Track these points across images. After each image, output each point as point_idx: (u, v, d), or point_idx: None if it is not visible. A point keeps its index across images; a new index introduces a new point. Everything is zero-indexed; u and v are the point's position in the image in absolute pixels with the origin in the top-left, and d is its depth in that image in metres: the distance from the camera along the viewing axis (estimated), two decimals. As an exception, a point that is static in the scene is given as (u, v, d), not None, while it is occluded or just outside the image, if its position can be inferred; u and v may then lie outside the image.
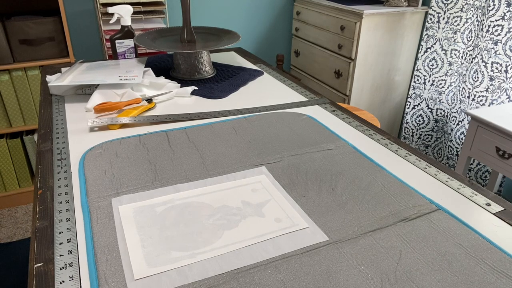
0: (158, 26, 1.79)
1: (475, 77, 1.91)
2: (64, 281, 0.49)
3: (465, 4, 1.95)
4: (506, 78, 1.81)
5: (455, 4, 1.97)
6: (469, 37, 1.99)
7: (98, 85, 1.03)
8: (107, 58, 1.76)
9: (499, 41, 1.79)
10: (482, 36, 1.85)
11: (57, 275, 0.49)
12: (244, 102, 1.02)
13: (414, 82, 2.23)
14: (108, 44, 1.70)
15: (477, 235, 0.57)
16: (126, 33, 1.24)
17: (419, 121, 2.30)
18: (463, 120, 2.03)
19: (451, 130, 2.12)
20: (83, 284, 0.49)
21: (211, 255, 0.53)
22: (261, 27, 2.68)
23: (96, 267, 0.51)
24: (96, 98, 0.97)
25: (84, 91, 1.05)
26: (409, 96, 2.27)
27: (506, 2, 1.73)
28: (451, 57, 2.08)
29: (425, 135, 2.32)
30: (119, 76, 1.03)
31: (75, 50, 2.12)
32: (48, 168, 0.73)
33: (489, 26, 1.80)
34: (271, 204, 0.63)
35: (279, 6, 2.65)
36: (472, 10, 1.94)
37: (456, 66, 2.08)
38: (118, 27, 1.21)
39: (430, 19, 2.06)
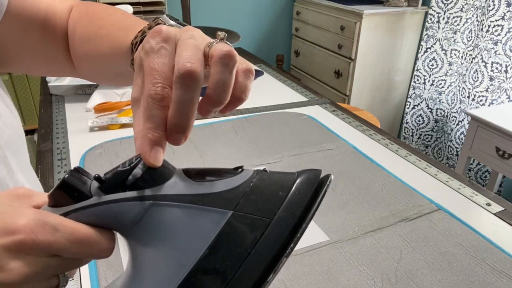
0: (158, 26, 1.79)
1: (475, 77, 1.91)
2: (64, 281, 0.49)
3: (465, 4, 1.95)
4: (506, 78, 1.81)
5: (455, 4, 1.97)
6: (469, 37, 1.99)
7: (98, 85, 1.03)
8: (107, 58, 1.76)
9: (499, 41, 1.79)
10: (482, 36, 1.85)
11: (57, 275, 0.49)
12: (244, 102, 1.02)
13: (414, 82, 2.23)
14: (108, 44, 1.69)
15: (477, 235, 0.57)
16: (126, 33, 1.23)
17: (419, 121, 2.30)
18: (463, 120, 2.03)
19: (451, 130, 2.12)
20: (83, 284, 0.49)
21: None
22: (261, 27, 2.68)
23: (96, 267, 0.51)
24: (96, 98, 0.97)
25: (84, 91, 1.05)
26: (409, 96, 2.27)
27: (506, 2, 1.73)
28: (451, 57, 2.08)
29: (425, 135, 2.32)
30: (119, 76, 1.03)
31: (75, 50, 2.12)
32: (48, 168, 0.73)
33: (489, 26, 1.80)
34: (271, 204, 0.63)
35: (279, 6, 2.65)
36: (472, 10, 1.94)
37: (456, 66, 2.08)
38: (118, 27, 1.21)
39: (430, 19, 2.06)
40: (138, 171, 0.26)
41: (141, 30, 0.38)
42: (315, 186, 0.27)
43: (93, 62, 0.48)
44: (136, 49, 0.36)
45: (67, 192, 0.26)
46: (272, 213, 0.26)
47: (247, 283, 0.25)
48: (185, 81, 0.26)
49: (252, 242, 0.25)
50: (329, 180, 0.27)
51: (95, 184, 0.27)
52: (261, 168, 0.30)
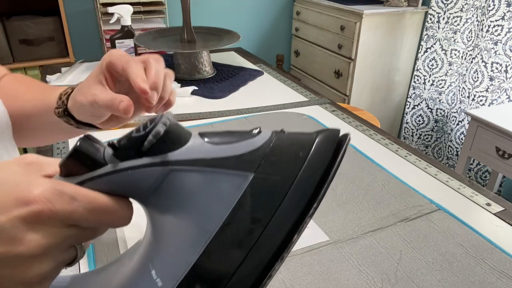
0: (158, 26, 1.79)
1: (475, 77, 1.91)
2: (64, 281, 0.49)
3: (465, 4, 1.95)
4: (506, 78, 1.81)
5: (455, 4, 1.97)
6: (469, 37, 1.99)
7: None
8: (107, 58, 1.76)
9: (499, 41, 1.79)
10: (482, 36, 1.85)
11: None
12: (244, 102, 1.02)
13: (414, 82, 2.23)
14: (108, 44, 1.69)
15: (477, 235, 0.57)
16: (126, 33, 1.24)
17: (419, 121, 2.30)
18: (463, 120, 2.03)
19: (451, 130, 2.12)
20: (83, 284, 0.49)
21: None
22: (261, 27, 2.68)
23: (96, 267, 0.51)
24: (96, 98, 0.97)
25: (84, 91, 1.05)
26: (409, 96, 2.27)
27: (506, 2, 1.73)
28: (451, 57, 2.08)
29: (425, 135, 2.32)
30: (119, 76, 1.03)
31: (75, 50, 2.12)
32: (48, 168, 0.73)
33: (489, 26, 1.80)
34: (271, 204, 0.63)
35: (279, 6, 2.65)
36: (472, 10, 1.94)
37: (456, 66, 2.08)
38: (118, 27, 1.21)
39: (430, 19, 2.06)
40: (159, 128, 0.25)
41: (70, 87, 0.46)
42: (335, 146, 0.26)
43: (14, 120, 0.52)
44: (67, 98, 0.46)
45: (80, 161, 0.25)
46: (294, 174, 0.25)
47: (273, 245, 0.24)
48: (158, 60, 0.48)
49: (275, 204, 0.24)
50: (347, 139, 0.26)
51: (109, 151, 0.25)
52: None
